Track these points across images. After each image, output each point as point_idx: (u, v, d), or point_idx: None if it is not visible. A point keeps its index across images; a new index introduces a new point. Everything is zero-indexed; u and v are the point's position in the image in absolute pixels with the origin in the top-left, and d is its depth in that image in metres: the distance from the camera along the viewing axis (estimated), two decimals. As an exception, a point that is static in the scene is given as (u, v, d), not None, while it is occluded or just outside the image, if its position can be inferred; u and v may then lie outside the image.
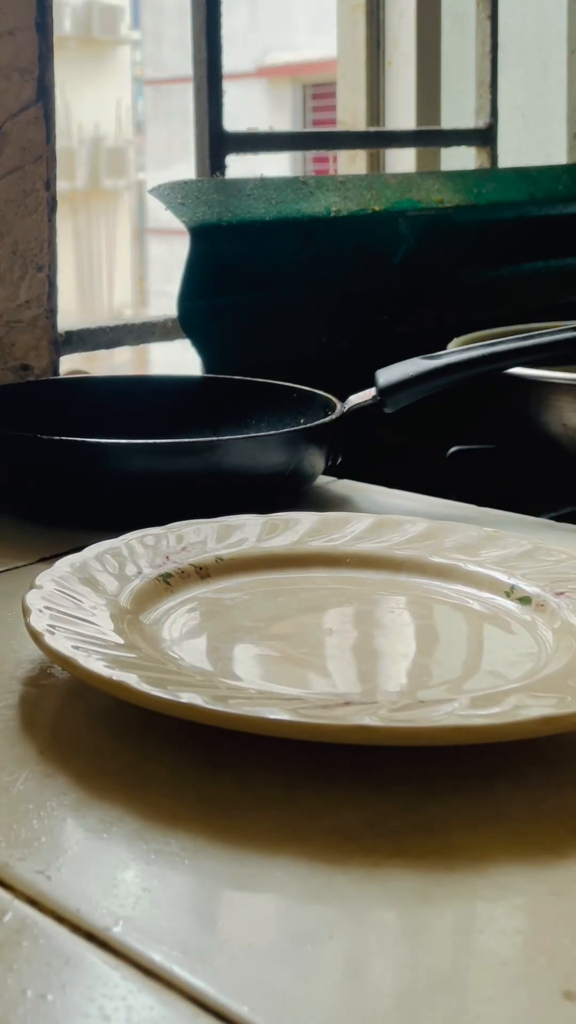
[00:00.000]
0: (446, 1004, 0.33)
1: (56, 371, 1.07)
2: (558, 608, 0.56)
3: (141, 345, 1.28)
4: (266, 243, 1.17)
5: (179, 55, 2.35)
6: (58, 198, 1.04)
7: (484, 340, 0.93)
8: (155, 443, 0.77)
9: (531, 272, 1.51)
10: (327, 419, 0.83)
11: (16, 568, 0.69)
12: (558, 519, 0.84)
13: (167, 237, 6.84)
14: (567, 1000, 0.33)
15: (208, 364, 1.20)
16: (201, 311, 1.15)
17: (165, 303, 1.61)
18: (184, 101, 1.54)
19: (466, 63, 1.78)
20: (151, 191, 1.15)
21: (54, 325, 1.05)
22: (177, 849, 0.40)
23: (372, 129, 1.84)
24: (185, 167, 1.44)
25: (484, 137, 1.70)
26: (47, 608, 0.53)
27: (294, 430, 0.81)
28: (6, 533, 0.76)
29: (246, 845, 0.40)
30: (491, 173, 1.57)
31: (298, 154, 4.33)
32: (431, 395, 0.87)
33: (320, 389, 0.90)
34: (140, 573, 0.60)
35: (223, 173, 1.34)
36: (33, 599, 0.54)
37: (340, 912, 0.37)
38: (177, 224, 1.17)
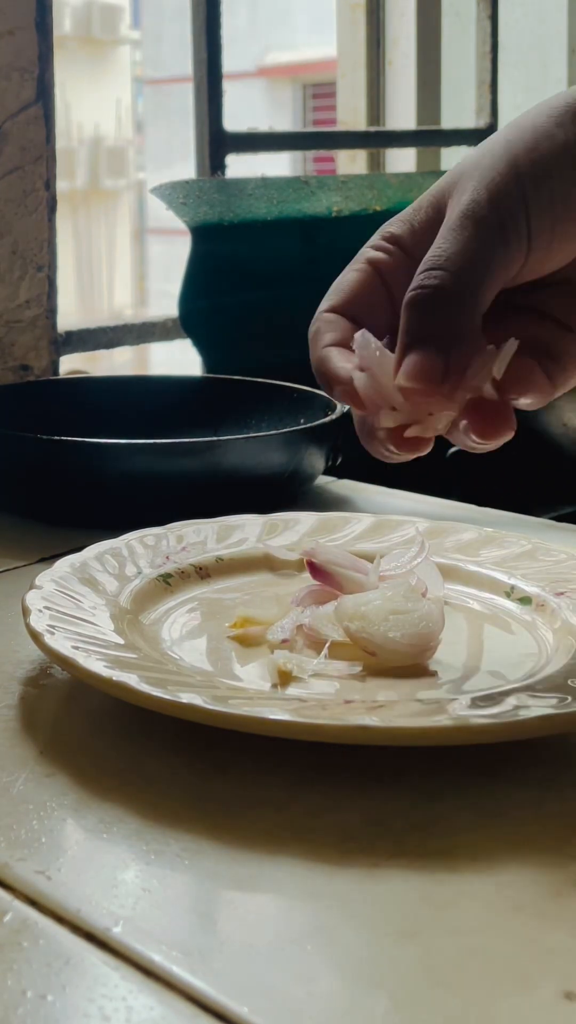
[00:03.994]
0: (446, 1004, 0.33)
1: (56, 371, 1.07)
2: (558, 608, 0.56)
3: (141, 345, 1.28)
4: (267, 243, 1.17)
5: (179, 55, 2.35)
6: (58, 198, 1.04)
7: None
8: (155, 443, 0.77)
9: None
10: (327, 419, 0.83)
11: (16, 568, 0.69)
12: (558, 519, 0.84)
13: (167, 237, 6.84)
14: (567, 1000, 0.33)
15: (208, 364, 1.20)
16: (202, 311, 1.16)
17: (165, 303, 1.61)
18: (184, 101, 1.54)
19: (466, 63, 1.78)
20: (153, 191, 1.15)
21: (54, 325, 1.05)
22: (177, 849, 0.40)
23: (372, 129, 1.84)
24: (185, 167, 1.44)
25: (484, 137, 1.70)
26: (47, 608, 0.53)
27: (294, 430, 0.81)
28: (6, 533, 0.76)
29: (246, 845, 0.40)
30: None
31: (298, 154, 4.33)
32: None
33: (320, 389, 0.90)
34: (140, 573, 0.60)
35: (223, 173, 1.34)
36: (33, 599, 0.54)
37: (340, 912, 0.37)
38: (177, 224, 1.17)
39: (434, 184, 0.49)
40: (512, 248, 0.45)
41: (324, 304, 0.50)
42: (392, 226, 0.50)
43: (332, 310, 0.49)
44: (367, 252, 0.50)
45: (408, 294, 0.45)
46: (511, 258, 0.45)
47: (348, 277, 0.50)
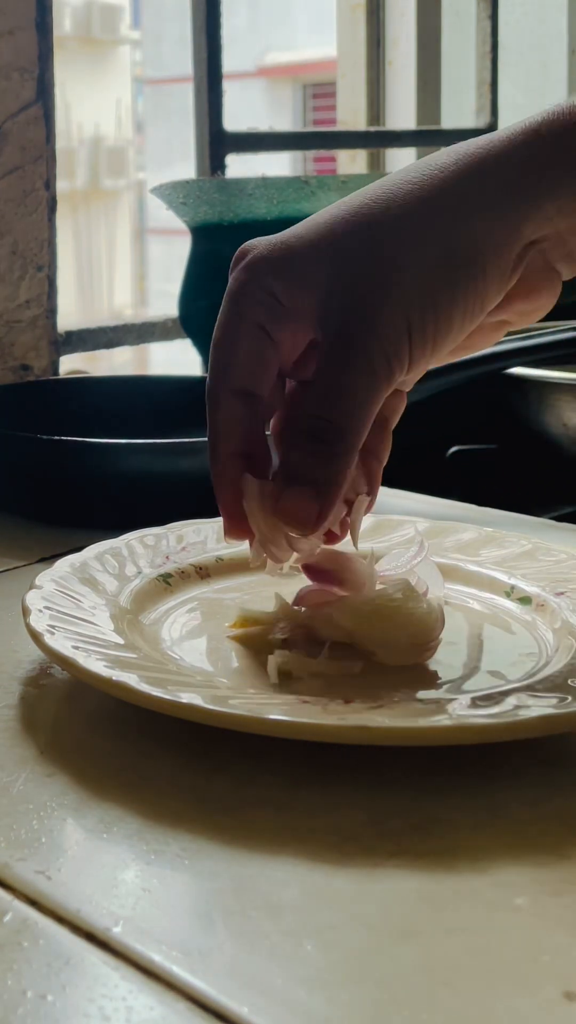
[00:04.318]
0: (446, 1004, 0.33)
1: (56, 371, 1.07)
2: (558, 608, 0.56)
3: (141, 345, 1.28)
4: (267, 243, 1.17)
5: (179, 55, 2.35)
6: (58, 198, 1.04)
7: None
8: (155, 443, 0.77)
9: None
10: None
11: (16, 568, 0.69)
12: (558, 519, 0.84)
13: (167, 237, 6.84)
14: (567, 1000, 0.33)
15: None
16: (202, 311, 1.15)
17: (165, 303, 1.61)
18: (184, 101, 1.54)
19: (466, 63, 1.78)
20: (153, 191, 1.15)
21: (54, 325, 1.05)
22: (177, 849, 0.40)
23: (372, 129, 1.84)
24: (185, 167, 1.44)
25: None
26: (47, 608, 0.53)
27: (294, 430, 0.81)
28: (6, 533, 0.76)
29: (246, 845, 0.40)
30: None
31: (298, 154, 4.33)
32: (431, 395, 0.86)
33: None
34: (140, 573, 0.60)
35: (223, 173, 1.34)
36: (33, 599, 0.54)
37: (340, 912, 0.37)
38: (177, 224, 1.17)
39: (328, 253, 0.48)
40: (395, 378, 0.47)
41: (220, 377, 0.50)
42: (277, 286, 0.48)
43: (230, 389, 0.49)
44: (251, 310, 0.49)
45: (291, 437, 0.48)
46: (392, 385, 0.47)
47: (240, 347, 0.49)
